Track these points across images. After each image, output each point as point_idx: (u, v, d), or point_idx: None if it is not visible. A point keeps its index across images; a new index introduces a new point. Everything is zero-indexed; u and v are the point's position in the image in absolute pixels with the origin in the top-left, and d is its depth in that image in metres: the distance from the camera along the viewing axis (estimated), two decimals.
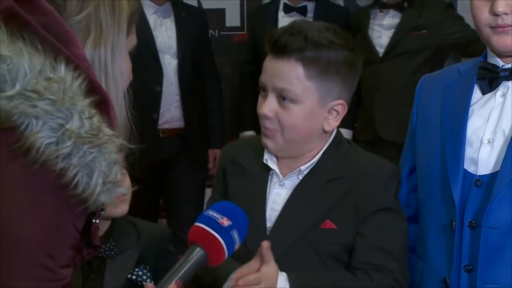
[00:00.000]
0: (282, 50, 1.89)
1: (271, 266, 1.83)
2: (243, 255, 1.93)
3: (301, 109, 1.92)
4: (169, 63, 4.08)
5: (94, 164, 1.37)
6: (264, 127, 1.96)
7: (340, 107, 1.96)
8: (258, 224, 1.98)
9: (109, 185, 1.40)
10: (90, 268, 2.07)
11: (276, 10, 4.32)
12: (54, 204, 1.37)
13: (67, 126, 1.36)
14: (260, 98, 1.98)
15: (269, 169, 2.02)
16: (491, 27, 1.88)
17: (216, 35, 4.94)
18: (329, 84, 1.92)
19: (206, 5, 4.91)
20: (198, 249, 1.67)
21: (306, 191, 1.97)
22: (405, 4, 4.18)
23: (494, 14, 1.85)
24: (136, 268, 2.05)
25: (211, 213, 1.71)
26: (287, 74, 1.90)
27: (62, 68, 1.39)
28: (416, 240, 2.06)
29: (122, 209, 2.07)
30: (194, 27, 4.14)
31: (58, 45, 1.41)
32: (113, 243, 2.06)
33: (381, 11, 4.24)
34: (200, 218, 1.72)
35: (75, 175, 1.36)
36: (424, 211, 2.01)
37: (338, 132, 2.03)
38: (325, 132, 1.98)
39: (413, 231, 2.06)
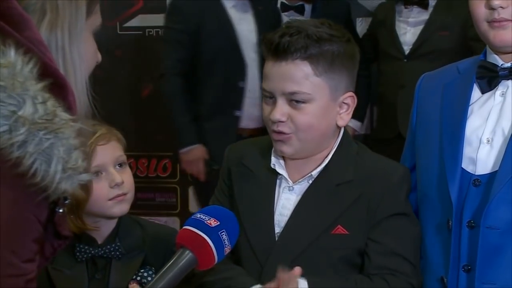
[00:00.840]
0: (285, 52, 1.86)
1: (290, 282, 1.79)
2: (254, 265, 1.93)
3: (315, 107, 1.89)
4: (253, 58, 3.99)
5: (52, 151, 1.31)
6: (277, 132, 1.92)
7: (350, 99, 1.94)
8: (267, 230, 1.95)
9: (70, 172, 1.34)
10: (96, 268, 2.06)
11: None
12: (12, 195, 1.32)
13: (20, 113, 1.30)
14: (264, 105, 1.94)
15: (276, 172, 1.98)
16: (488, 22, 1.86)
17: None
18: (338, 78, 1.90)
19: None
20: (186, 251, 1.64)
21: (316, 196, 1.93)
22: (430, 1, 4.12)
23: (491, 8, 1.84)
24: (142, 269, 2.04)
25: (199, 215, 1.69)
26: (295, 75, 1.87)
27: (11, 53, 1.34)
28: None
29: (121, 208, 2.05)
30: (270, 21, 4.09)
31: (8, 29, 1.36)
32: (118, 244, 2.04)
33: (405, 7, 4.17)
34: (188, 221, 1.69)
35: (33, 163, 1.30)
36: (422, 209, 2.00)
37: (345, 132, 2.01)
38: (338, 127, 1.96)
39: None
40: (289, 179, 1.97)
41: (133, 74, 5.04)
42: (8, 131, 1.30)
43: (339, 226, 1.90)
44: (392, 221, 1.90)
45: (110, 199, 2.02)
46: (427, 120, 2.00)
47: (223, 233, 1.67)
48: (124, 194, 2.04)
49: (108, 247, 2.04)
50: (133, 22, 5.06)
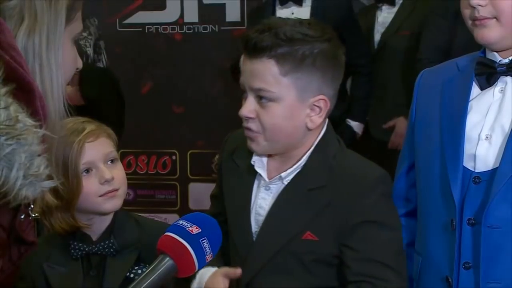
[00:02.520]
0: (254, 49, 1.85)
1: None
2: (237, 261, 1.95)
3: (281, 107, 1.87)
4: None
5: (13, 157, 1.28)
6: (246, 128, 1.92)
7: (322, 102, 1.90)
8: (245, 227, 1.97)
9: (31, 178, 1.31)
10: (90, 265, 2.05)
11: (273, 4, 4.27)
12: None
13: None
14: (242, 101, 1.94)
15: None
16: (472, 20, 1.87)
17: (216, 30, 4.92)
18: (307, 78, 1.86)
19: None
20: (166, 258, 1.62)
21: (288, 199, 1.93)
22: None
23: (471, 6, 1.84)
24: (136, 267, 2.03)
25: (181, 222, 1.67)
26: (262, 73, 1.86)
27: None
28: (414, 234, 2.04)
29: (113, 204, 2.04)
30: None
31: None
32: (112, 240, 2.04)
33: (377, 5, 4.24)
34: (170, 228, 1.67)
35: None
36: (423, 208, 2.00)
37: (327, 132, 1.97)
38: (309, 129, 1.92)
39: (412, 226, 2.05)
40: (266, 178, 1.96)
41: (132, 71, 5.04)
42: None
43: (308, 232, 1.89)
44: (366, 228, 1.87)
45: (100, 195, 2.01)
46: (427, 117, 1.99)
47: (205, 240, 1.65)
48: (116, 190, 2.03)
49: (102, 244, 2.03)
50: (132, 19, 5.06)
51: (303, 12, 4.09)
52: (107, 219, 2.08)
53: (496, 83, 1.90)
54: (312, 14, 4.10)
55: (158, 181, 4.98)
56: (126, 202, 2.15)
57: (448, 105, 1.95)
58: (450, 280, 1.88)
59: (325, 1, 4.09)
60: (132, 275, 1.99)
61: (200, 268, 1.66)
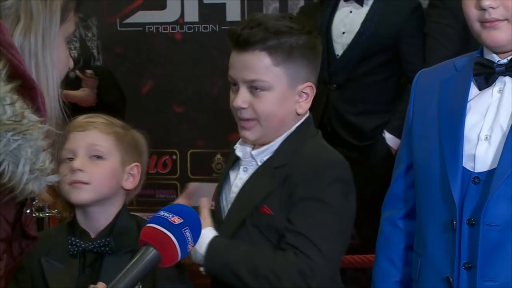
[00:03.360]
0: (245, 43, 2.00)
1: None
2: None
3: (274, 95, 2.02)
4: None
5: (20, 152, 1.32)
6: (241, 119, 2.05)
7: (308, 89, 2.06)
8: (219, 207, 2.14)
9: (37, 173, 1.35)
10: (86, 262, 2.05)
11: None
12: None
13: None
14: (231, 93, 2.08)
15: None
16: (480, 22, 1.86)
17: (217, 29, 4.92)
18: (296, 68, 2.03)
19: None
20: (150, 248, 1.66)
21: (257, 177, 2.06)
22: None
23: (481, 8, 1.83)
24: None
25: (162, 213, 1.71)
26: (255, 65, 2.01)
27: None
28: (413, 238, 2.04)
29: (77, 195, 2.04)
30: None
31: None
32: (108, 239, 2.04)
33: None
34: (151, 219, 1.72)
35: (0, 163, 1.31)
36: (422, 208, 1.99)
37: (306, 120, 2.10)
38: (298, 115, 2.08)
39: (411, 229, 2.05)
40: (242, 160, 2.11)
41: (133, 70, 5.04)
42: None
43: (264, 206, 2.01)
44: (306, 204, 1.97)
45: (69, 183, 2.03)
46: (425, 118, 1.99)
47: (187, 230, 1.70)
48: (83, 183, 2.03)
49: (99, 242, 2.04)
50: (133, 19, 5.06)
51: (361, 12, 3.95)
52: (106, 218, 2.08)
53: (494, 83, 1.89)
54: (368, 15, 3.96)
55: (159, 180, 4.98)
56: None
57: (446, 105, 1.94)
58: (451, 281, 1.88)
59: (386, 6, 3.90)
60: None
61: (182, 257, 1.72)
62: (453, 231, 1.87)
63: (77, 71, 4.36)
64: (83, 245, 2.04)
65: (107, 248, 2.03)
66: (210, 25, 4.79)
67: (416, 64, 3.89)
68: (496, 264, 1.83)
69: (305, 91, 2.06)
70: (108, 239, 2.03)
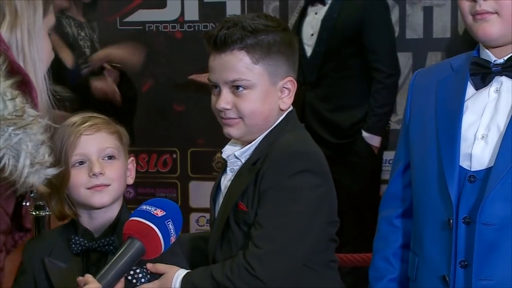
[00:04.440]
0: (223, 44, 2.01)
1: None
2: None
3: (256, 93, 2.04)
4: None
5: (20, 146, 1.35)
6: (225, 118, 2.07)
7: (290, 84, 2.09)
8: (212, 209, 2.16)
9: (37, 166, 1.38)
10: (90, 261, 2.05)
11: (306, 5, 4.17)
12: None
13: None
14: (212, 96, 2.10)
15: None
16: (472, 15, 1.86)
17: None
18: (275, 64, 2.05)
19: None
20: (134, 241, 1.71)
21: (238, 175, 2.08)
22: None
23: (472, 0, 1.84)
24: (137, 269, 2.03)
25: (144, 207, 1.77)
26: (235, 64, 2.02)
27: None
28: (409, 237, 2.05)
29: (100, 199, 2.04)
30: None
31: None
32: (112, 238, 2.03)
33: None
34: (134, 213, 1.77)
35: (1, 158, 1.34)
36: (419, 207, 2.00)
37: (287, 117, 2.11)
38: (281, 110, 2.09)
39: (408, 228, 2.05)
40: (228, 161, 2.12)
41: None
42: None
43: (240, 203, 2.03)
44: (269, 193, 1.97)
45: (88, 188, 2.02)
46: (422, 118, 1.99)
47: (169, 222, 1.77)
48: (105, 185, 2.04)
49: (103, 240, 2.03)
50: (133, 17, 5.06)
51: (323, 11, 4.06)
52: (111, 217, 2.08)
53: (491, 83, 1.89)
54: (327, 13, 4.05)
55: (159, 179, 4.98)
56: (127, 201, 2.16)
57: (443, 105, 1.95)
58: (447, 279, 1.89)
59: (344, 2, 4.02)
60: (130, 277, 2.00)
61: (166, 249, 1.78)
62: (450, 229, 1.88)
63: (106, 63, 4.52)
64: (87, 244, 2.04)
65: (111, 247, 2.03)
66: (210, 24, 4.79)
67: (377, 54, 3.94)
68: (491, 263, 1.83)
69: (286, 86, 2.08)
70: (112, 238, 2.03)
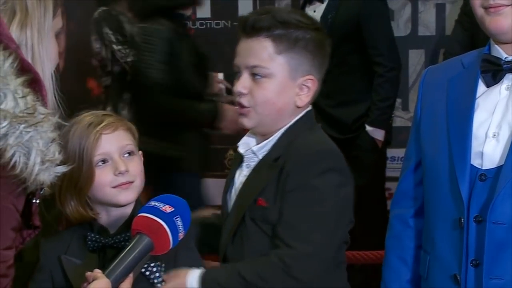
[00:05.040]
0: (252, 29, 2.03)
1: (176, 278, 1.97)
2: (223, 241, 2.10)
3: (273, 83, 2.04)
4: None
5: (31, 144, 1.37)
6: (239, 104, 2.08)
7: (310, 82, 2.08)
8: (224, 204, 2.17)
9: (48, 164, 1.40)
10: (106, 258, 2.03)
11: (304, 4, 4.21)
12: None
13: (2, 107, 1.36)
14: (235, 81, 2.10)
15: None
16: (484, 8, 1.84)
17: (229, 25, 4.93)
18: (299, 59, 2.05)
19: None
20: (143, 237, 1.71)
21: (257, 171, 2.08)
22: None
23: None
24: (152, 263, 2.03)
25: (153, 203, 1.77)
26: (258, 51, 2.03)
27: None
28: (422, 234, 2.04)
29: (126, 196, 2.04)
30: None
31: None
32: (128, 234, 2.01)
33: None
34: (143, 209, 1.78)
35: (13, 155, 1.35)
36: (430, 206, 1.99)
37: (306, 115, 2.12)
38: (297, 108, 2.09)
39: (421, 225, 2.04)
40: (244, 156, 2.13)
41: None
42: None
43: (260, 198, 2.03)
44: (296, 194, 1.99)
45: (114, 187, 2.03)
46: (433, 116, 1.98)
47: (178, 218, 1.77)
48: (130, 182, 2.04)
49: (118, 237, 2.03)
50: None
51: (322, 8, 4.08)
52: (126, 213, 2.08)
53: (502, 81, 1.88)
54: (326, 9, 4.08)
55: None
56: None
57: (454, 102, 1.94)
58: (458, 278, 1.88)
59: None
60: (148, 273, 2.00)
61: (174, 245, 1.78)
62: (461, 228, 1.87)
63: None
64: (103, 241, 2.04)
65: (127, 243, 2.03)
66: (222, 21, 4.80)
67: (378, 48, 3.97)
68: (502, 262, 1.82)
69: (306, 84, 2.08)
70: (128, 234, 2.01)
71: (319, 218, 1.99)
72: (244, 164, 2.12)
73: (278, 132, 2.08)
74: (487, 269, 1.83)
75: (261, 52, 2.03)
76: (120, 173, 2.02)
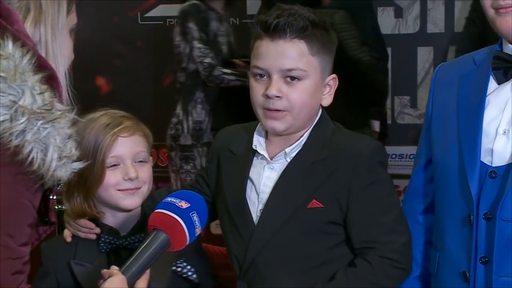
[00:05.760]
0: (283, 31, 1.97)
1: None
2: (240, 242, 2.02)
3: (308, 85, 2.00)
4: None
5: (49, 140, 1.37)
6: (272, 109, 1.99)
7: (333, 81, 2.06)
8: (243, 208, 2.04)
9: (65, 160, 1.41)
10: (120, 259, 2.00)
11: None
12: (10, 182, 1.38)
13: (20, 103, 1.36)
14: (255, 85, 2.02)
15: (254, 152, 2.06)
16: (494, 9, 1.84)
17: (237, 23, 4.92)
18: (327, 59, 2.04)
19: None
20: (160, 233, 1.70)
21: (293, 174, 2.02)
22: None
23: None
24: (178, 261, 2.03)
25: (169, 199, 1.76)
26: (293, 53, 1.98)
27: (10, 45, 1.40)
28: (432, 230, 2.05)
29: (131, 202, 2.05)
30: None
31: (3, 23, 1.41)
32: (142, 234, 2.02)
33: None
34: (159, 205, 1.77)
35: (30, 151, 1.36)
36: (440, 203, 1.99)
37: (323, 113, 2.10)
38: (323, 106, 2.08)
39: (431, 222, 2.05)
40: (268, 158, 2.05)
41: (154, 64, 5.06)
42: (9, 120, 1.37)
43: (314, 200, 1.98)
44: (368, 193, 1.97)
45: (119, 189, 2.03)
46: (444, 113, 1.98)
47: (194, 214, 1.76)
48: (137, 188, 2.04)
49: (133, 237, 2.04)
50: (154, 12, 5.08)
51: None
52: (134, 214, 2.09)
53: None
54: None
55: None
56: None
57: (465, 99, 1.94)
58: (467, 275, 1.88)
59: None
60: (179, 269, 2.00)
61: (191, 241, 1.75)
62: (470, 225, 1.87)
63: (236, 60, 4.41)
64: (117, 242, 2.04)
65: (143, 240, 2.03)
66: (231, 19, 4.78)
67: (368, 42, 4.02)
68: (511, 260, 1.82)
69: (329, 83, 2.06)
70: (142, 234, 2.02)
71: (395, 208, 2.01)
72: (266, 166, 2.04)
73: (306, 133, 2.04)
74: (497, 266, 1.83)
75: (297, 54, 1.97)
76: (129, 178, 2.02)
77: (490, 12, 1.86)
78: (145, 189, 2.06)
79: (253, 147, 2.05)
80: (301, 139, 2.04)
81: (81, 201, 2.04)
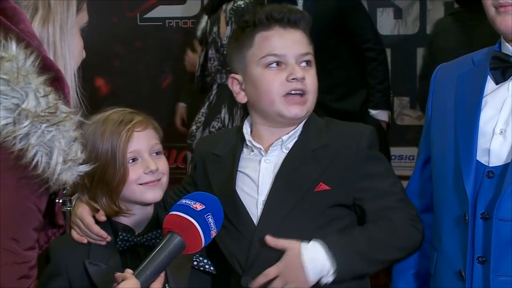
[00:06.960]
0: (295, 22, 2.10)
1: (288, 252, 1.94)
2: (241, 241, 2.02)
3: (314, 71, 2.12)
4: None
5: (53, 143, 1.35)
6: (297, 92, 2.05)
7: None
8: (233, 199, 2.05)
9: (70, 163, 1.38)
10: (138, 257, 2.00)
11: None
12: (15, 186, 1.36)
13: (23, 106, 1.34)
14: (270, 73, 2.06)
15: (240, 148, 2.12)
16: (495, 8, 1.84)
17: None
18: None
19: None
20: (175, 235, 1.68)
21: (294, 163, 2.05)
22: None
23: None
24: (194, 256, 2.01)
25: (184, 201, 1.74)
26: (303, 41, 2.11)
27: (13, 46, 1.38)
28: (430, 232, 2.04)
29: (154, 194, 2.05)
30: None
31: (7, 23, 1.39)
32: (160, 231, 1.98)
33: None
34: (173, 207, 1.74)
35: (35, 155, 1.34)
36: (437, 202, 2.00)
37: None
38: None
39: (430, 221, 2.05)
40: (263, 151, 2.09)
41: (153, 65, 5.06)
42: (12, 124, 1.34)
43: (321, 183, 2.02)
44: (373, 168, 2.06)
45: (140, 184, 2.03)
46: (442, 112, 1.99)
47: (209, 216, 1.73)
48: (158, 180, 2.05)
49: (150, 234, 2.02)
50: (153, 13, 5.08)
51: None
52: (148, 212, 2.08)
53: (511, 77, 1.88)
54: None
55: (179, 175, 4.97)
56: None
57: (462, 99, 1.94)
58: (463, 274, 1.88)
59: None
60: (196, 262, 1.99)
61: (206, 244, 1.72)
62: (465, 225, 1.87)
63: None
64: (134, 240, 2.03)
65: (158, 240, 1.99)
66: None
67: (364, 35, 4.03)
68: (509, 259, 1.81)
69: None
70: (159, 231, 1.99)
71: (399, 181, 2.11)
72: (263, 158, 2.07)
73: (300, 125, 2.10)
74: (494, 266, 1.83)
75: (305, 42, 2.10)
76: (150, 171, 2.03)
77: (491, 10, 1.86)
78: (164, 180, 2.07)
79: (247, 142, 2.10)
80: (296, 128, 2.09)
81: (108, 202, 2.03)
